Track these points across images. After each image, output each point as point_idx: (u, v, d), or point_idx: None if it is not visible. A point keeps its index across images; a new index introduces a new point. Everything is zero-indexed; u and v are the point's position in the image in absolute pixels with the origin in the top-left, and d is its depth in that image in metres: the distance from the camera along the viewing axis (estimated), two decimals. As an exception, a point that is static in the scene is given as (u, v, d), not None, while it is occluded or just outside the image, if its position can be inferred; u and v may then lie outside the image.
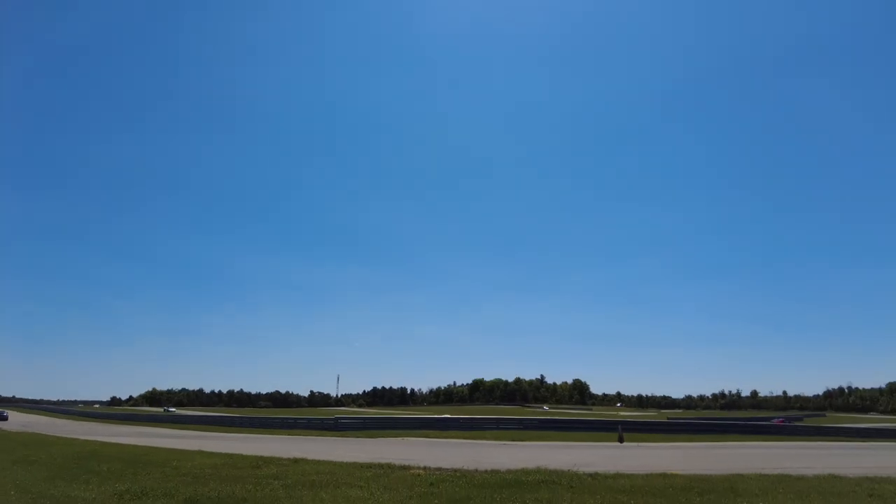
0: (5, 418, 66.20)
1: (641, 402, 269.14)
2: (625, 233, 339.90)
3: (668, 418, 65.47)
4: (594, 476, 12.59)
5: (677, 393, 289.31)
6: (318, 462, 16.23)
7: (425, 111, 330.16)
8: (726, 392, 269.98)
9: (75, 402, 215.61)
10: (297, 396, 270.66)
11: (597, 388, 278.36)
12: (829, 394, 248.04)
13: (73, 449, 22.84)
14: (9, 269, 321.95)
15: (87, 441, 28.35)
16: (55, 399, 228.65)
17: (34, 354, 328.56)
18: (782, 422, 60.13)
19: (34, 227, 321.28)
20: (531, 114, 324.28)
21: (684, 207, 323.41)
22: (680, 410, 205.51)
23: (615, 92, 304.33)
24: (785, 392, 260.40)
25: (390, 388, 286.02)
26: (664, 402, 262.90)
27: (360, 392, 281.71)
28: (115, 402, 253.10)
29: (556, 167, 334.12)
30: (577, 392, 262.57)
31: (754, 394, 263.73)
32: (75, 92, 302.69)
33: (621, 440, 25.82)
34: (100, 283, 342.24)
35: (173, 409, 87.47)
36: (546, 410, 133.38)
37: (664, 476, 12.51)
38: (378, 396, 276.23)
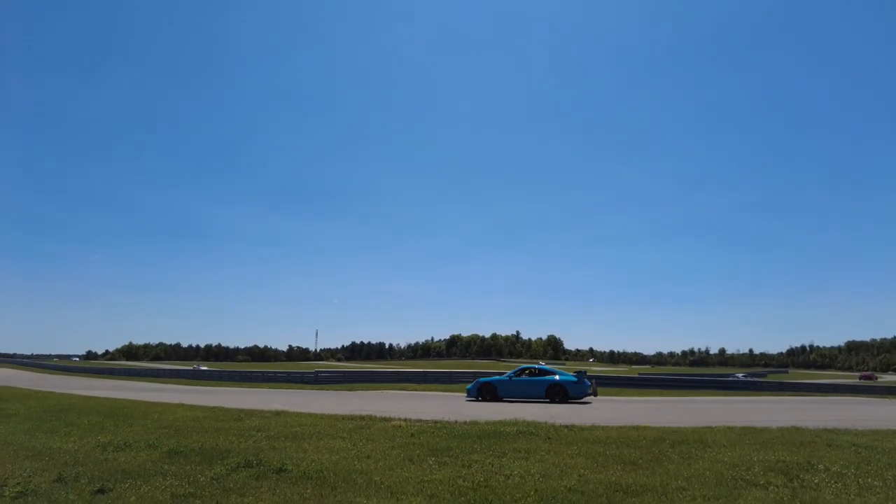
0: None
1: (613, 357, 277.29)
2: (600, 191, 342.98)
3: (639, 374, 67.59)
4: (570, 427, 13.00)
5: (648, 350, 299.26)
6: (300, 414, 16.46)
7: (406, 67, 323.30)
8: (695, 349, 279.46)
9: (50, 357, 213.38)
10: (276, 351, 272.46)
11: (570, 344, 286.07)
12: (791, 352, 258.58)
13: (51, 402, 22.77)
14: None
15: (64, 394, 28.27)
16: (29, 353, 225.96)
17: (6, 308, 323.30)
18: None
19: (6, 176, 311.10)
20: (512, 66, 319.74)
21: (658, 166, 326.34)
22: (650, 366, 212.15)
23: (595, 51, 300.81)
24: (751, 350, 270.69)
25: (369, 343, 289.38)
26: (635, 359, 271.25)
27: (339, 347, 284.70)
28: (91, 356, 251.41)
29: (532, 123, 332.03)
30: (552, 347, 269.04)
31: (722, 351, 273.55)
32: (61, 35, 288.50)
33: (595, 394, 26.48)
34: (74, 237, 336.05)
35: (204, 367, 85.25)
36: (591, 362, 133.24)
37: (637, 428, 12.97)
38: (357, 351, 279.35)
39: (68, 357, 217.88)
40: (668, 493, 7.06)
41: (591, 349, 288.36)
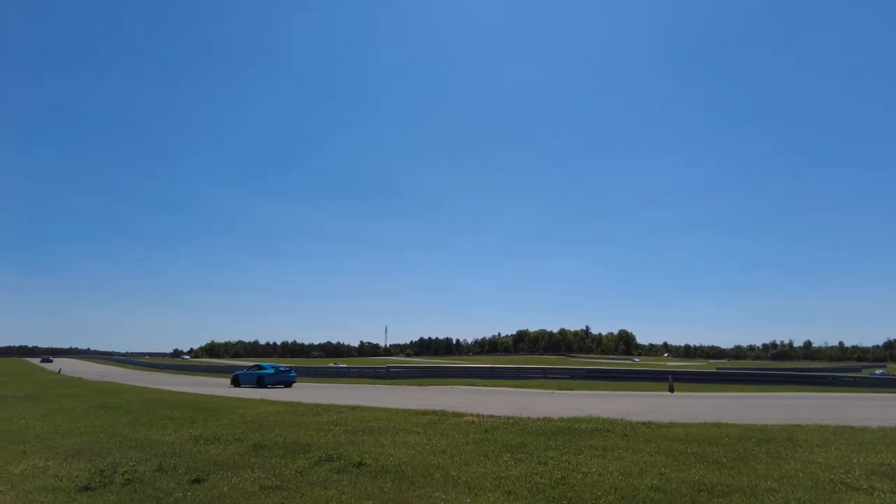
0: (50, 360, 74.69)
1: (689, 352, 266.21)
2: (670, 180, 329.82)
3: (716, 368, 64.57)
4: (647, 424, 12.66)
5: (726, 343, 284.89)
6: (375, 409, 16.88)
7: (455, 65, 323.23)
8: (777, 342, 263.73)
9: (142, 354, 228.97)
10: (348, 346, 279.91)
11: (643, 339, 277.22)
12: (889, 344, 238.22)
13: (146, 396, 24.44)
14: (74, 229, 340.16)
15: (156, 390, 30.28)
16: (124, 351, 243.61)
17: (105, 309, 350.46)
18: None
19: (94, 187, 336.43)
20: (558, 63, 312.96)
21: (729, 154, 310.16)
22: (728, 361, 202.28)
23: (652, 43, 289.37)
24: (841, 343, 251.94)
25: (436, 338, 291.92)
26: (712, 353, 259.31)
27: (408, 342, 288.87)
28: (177, 354, 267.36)
29: (599, 113, 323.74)
30: (623, 342, 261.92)
31: (807, 344, 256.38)
32: (113, 45, 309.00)
33: (672, 390, 25.70)
34: (160, 241, 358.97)
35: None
36: (636, 362, 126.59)
37: (718, 426, 12.46)
38: (425, 346, 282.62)
39: (156, 355, 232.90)
40: (757, 495, 6.74)
41: (665, 344, 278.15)
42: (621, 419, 13.49)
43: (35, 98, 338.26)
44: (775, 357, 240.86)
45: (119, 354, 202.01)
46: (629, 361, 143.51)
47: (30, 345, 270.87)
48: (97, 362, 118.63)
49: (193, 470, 8.53)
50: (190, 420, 15.11)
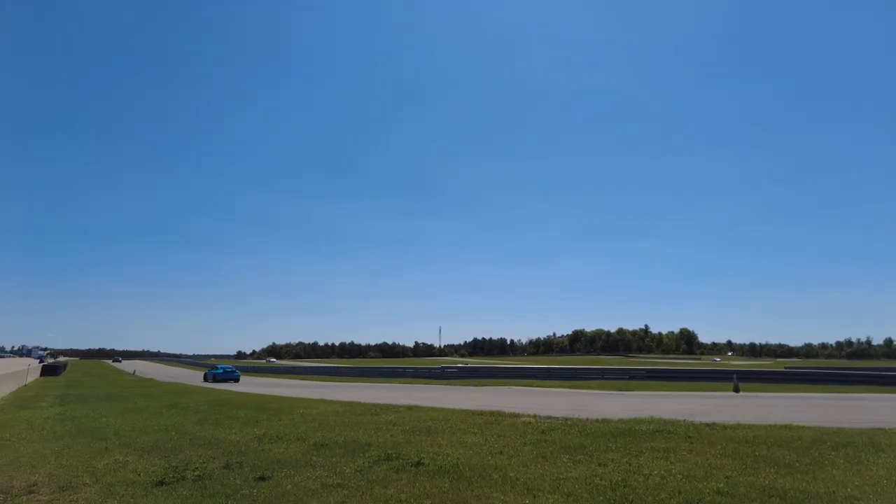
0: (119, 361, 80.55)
1: (754, 350, 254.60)
2: (733, 168, 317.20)
3: (785, 367, 61.44)
4: (712, 426, 12.21)
5: (795, 341, 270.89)
6: (432, 409, 17.02)
7: (509, 70, 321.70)
8: (853, 340, 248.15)
9: (208, 357, 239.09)
10: (403, 347, 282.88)
11: (705, 337, 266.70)
12: None
13: (212, 397, 25.51)
14: (150, 238, 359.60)
15: (221, 390, 31.56)
16: (191, 353, 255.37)
17: (172, 313, 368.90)
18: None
19: (168, 200, 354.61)
20: (611, 58, 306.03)
21: (790, 141, 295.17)
22: (798, 359, 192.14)
23: (708, 33, 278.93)
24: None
25: (490, 338, 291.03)
26: (780, 351, 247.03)
27: (462, 343, 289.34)
28: (240, 355, 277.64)
29: (651, 110, 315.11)
30: (685, 341, 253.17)
31: (888, 342, 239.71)
32: (174, 63, 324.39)
33: (737, 390, 24.63)
34: (220, 246, 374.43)
35: (273, 359, 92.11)
36: (717, 362, 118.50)
37: (789, 428, 11.88)
38: (479, 347, 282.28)
39: (221, 357, 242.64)
40: (835, 503, 6.39)
41: (728, 342, 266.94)
42: (684, 420, 13.07)
43: (116, 114, 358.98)
44: (851, 356, 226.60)
45: (187, 357, 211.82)
46: (711, 361, 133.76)
47: (108, 347, 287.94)
48: (167, 364, 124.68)
49: (258, 468, 8.84)
50: (254, 419, 15.67)
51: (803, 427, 11.94)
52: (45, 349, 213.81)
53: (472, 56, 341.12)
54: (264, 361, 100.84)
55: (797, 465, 8.23)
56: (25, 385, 37.44)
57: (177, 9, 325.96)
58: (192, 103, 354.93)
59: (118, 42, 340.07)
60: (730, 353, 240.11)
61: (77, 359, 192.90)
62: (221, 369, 48.63)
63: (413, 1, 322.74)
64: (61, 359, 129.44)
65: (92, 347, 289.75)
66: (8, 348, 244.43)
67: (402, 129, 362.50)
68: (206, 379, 46.53)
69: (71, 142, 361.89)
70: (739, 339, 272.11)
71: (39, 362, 78.02)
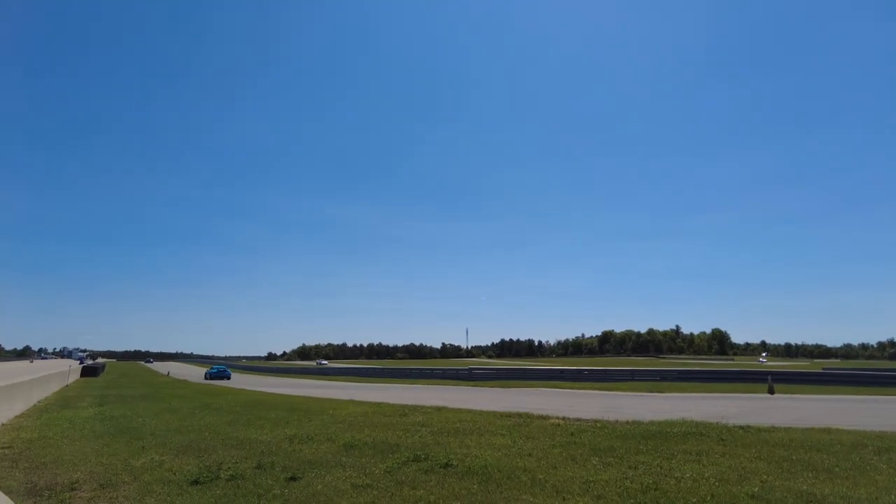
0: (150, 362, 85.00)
1: (790, 351, 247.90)
2: (765, 163, 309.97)
3: (823, 368, 59.58)
4: (745, 428, 11.95)
5: (833, 341, 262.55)
6: (459, 410, 17.03)
7: (536, 68, 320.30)
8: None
9: (239, 358, 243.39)
10: (431, 348, 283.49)
11: (738, 338, 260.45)
12: None
13: (243, 398, 25.97)
14: (182, 239, 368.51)
15: (253, 391, 32.09)
16: (223, 355, 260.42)
17: (210, 316, 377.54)
18: None
19: (203, 206, 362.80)
20: (642, 59, 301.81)
21: (823, 145, 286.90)
22: (837, 360, 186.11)
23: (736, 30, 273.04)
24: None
25: (518, 340, 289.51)
26: (817, 352, 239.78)
27: (489, 344, 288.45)
28: (271, 357, 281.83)
29: (682, 109, 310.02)
30: (717, 342, 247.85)
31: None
32: (205, 74, 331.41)
33: (772, 392, 24.04)
34: (254, 249, 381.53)
35: (325, 362, 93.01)
36: (762, 363, 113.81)
37: (827, 431, 11.56)
38: (506, 348, 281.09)
39: (252, 358, 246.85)
40: (877, 508, 6.21)
41: (762, 342, 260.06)
42: (717, 422, 12.83)
43: (146, 124, 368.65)
44: (893, 356, 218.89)
45: (219, 358, 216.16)
46: (757, 361, 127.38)
47: (143, 349, 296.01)
48: (200, 365, 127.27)
49: (289, 468, 8.97)
50: (284, 420, 15.90)
51: (843, 430, 11.60)
52: (85, 351, 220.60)
53: (498, 55, 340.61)
54: (315, 364, 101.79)
55: (837, 470, 8.00)
56: (67, 385, 38.67)
57: (201, 14, 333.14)
58: (223, 109, 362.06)
59: (147, 54, 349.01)
60: (764, 354, 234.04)
61: (114, 360, 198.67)
62: (216, 369, 59.08)
63: (447, 4, 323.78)
64: (100, 360, 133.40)
65: (128, 349, 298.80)
66: (50, 350, 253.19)
67: (431, 131, 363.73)
68: (205, 377, 56.03)
69: (102, 151, 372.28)
70: (774, 339, 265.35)
71: (80, 363, 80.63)
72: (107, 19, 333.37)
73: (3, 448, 11.40)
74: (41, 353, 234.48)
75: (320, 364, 79.06)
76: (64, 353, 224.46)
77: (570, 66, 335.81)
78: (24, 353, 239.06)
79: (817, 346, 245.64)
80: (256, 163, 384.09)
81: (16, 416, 17.74)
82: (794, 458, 8.75)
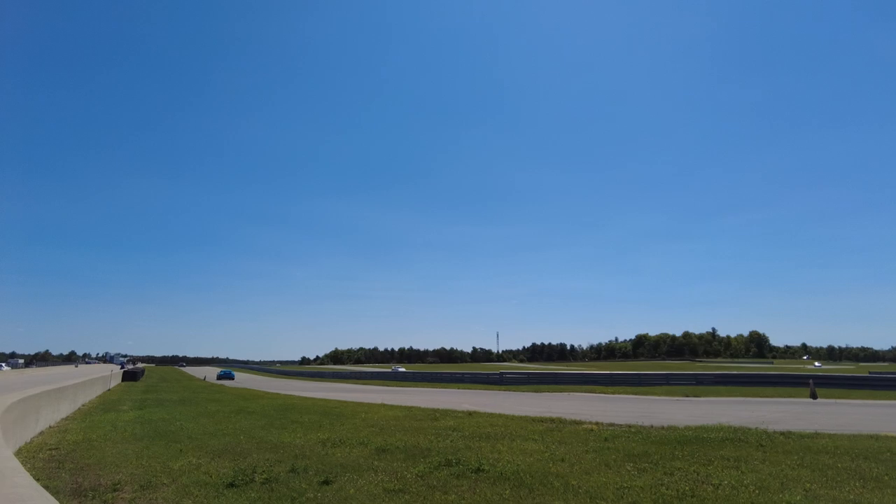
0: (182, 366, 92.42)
1: (833, 354, 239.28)
2: (803, 160, 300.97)
3: (869, 372, 57.37)
4: (787, 434, 11.59)
5: (881, 343, 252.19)
6: (491, 415, 16.95)
7: (565, 72, 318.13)
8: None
9: (273, 363, 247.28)
10: (461, 352, 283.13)
11: (777, 340, 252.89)
12: None
13: (278, 402, 26.33)
14: (217, 246, 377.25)
15: (287, 395, 32.54)
16: (258, 360, 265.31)
17: (241, 322, 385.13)
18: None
19: (233, 211, 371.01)
20: (673, 61, 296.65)
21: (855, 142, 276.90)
22: (885, 364, 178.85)
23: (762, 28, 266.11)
24: None
25: (549, 344, 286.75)
26: (863, 355, 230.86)
27: (520, 348, 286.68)
28: (304, 361, 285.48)
29: (717, 107, 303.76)
30: (755, 345, 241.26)
31: None
32: (230, 81, 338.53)
33: (814, 396, 23.25)
34: (285, 256, 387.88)
35: (401, 368, 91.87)
36: (817, 367, 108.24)
37: (876, 438, 11.12)
38: (538, 352, 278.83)
39: (286, 363, 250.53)
40: (928, 519, 5.93)
41: (803, 345, 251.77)
42: (756, 428, 12.47)
43: (178, 135, 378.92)
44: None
45: (254, 363, 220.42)
46: (812, 366, 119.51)
47: (181, 354, 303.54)
48: (236, 370, 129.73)
49: (322, 472, 9.06)
50: (317, 424, 16.07)
51: (892, 437, 11.15)
52: (126, 356, 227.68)
53: (527, 59, 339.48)
54: (390, 369, 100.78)
55: (886, 479, 7.68)
56: (109, 389, 39.88)
57: (229, 22, 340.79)
58: (251, 116, 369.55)
59: (174, 61, 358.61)
60: (805, 357, 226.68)
61: (153, 365, 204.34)
62: (224, 372, 72.81)
63: (474, 8, 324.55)
64: (139, 365, 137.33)
65: (166, 354, 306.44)
66: (94, 355, 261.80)
67: (459, 136, 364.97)
68: (218, 377, 67.42)
69: (135, 162, 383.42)
70: (815, 341, 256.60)
71: (121, 368, 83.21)
72: (136, 28, 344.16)
73: (50, 449, 11.81)
74: (85, 358, 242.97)
75: (396, 370, 78.41)
76: (106, 358, 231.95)
77: (601, 71, 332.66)
78: (70, 358, 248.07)
79: (863, 349, 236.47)
80: (287, 169, 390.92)
81: (62, 419, 18.38)
82: (839, 466, 8.44)
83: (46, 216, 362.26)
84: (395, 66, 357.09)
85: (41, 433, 14.67)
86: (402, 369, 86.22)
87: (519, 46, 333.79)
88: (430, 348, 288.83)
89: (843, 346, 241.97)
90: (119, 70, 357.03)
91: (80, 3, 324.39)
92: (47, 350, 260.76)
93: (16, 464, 5.47)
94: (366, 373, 76.46)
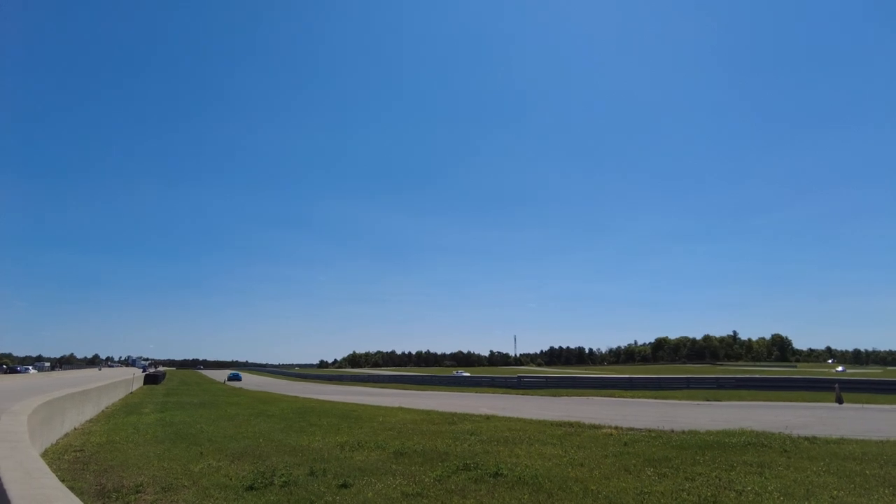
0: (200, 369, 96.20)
1: (859, 357, 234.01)
2: (824, 161, 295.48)
3: (898, 376, 56.00)
4: (812, 440, 11.36)
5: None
6: (509, 419, 16.87)
7: (583, 74, 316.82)
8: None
9: (292, 366, 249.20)
10: (479, 356, 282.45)
11: (800, 343, 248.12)
12: None
13: (296, 405, 26.50)
14: (236, 251, 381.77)
15: (305, 399, 32.74)
16: (277, 363, 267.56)
17: (260, 325, 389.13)
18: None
19: (251, 216, 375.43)
20: (692, 60, 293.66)
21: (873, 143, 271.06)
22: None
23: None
24: None
25: (567, 347, 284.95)
26: (890, 358, 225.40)
27: (538, 352, 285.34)
28: (323, 364, 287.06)
29: (737, 107, 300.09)
30: (777, 348, 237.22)
31: None
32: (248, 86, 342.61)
33: (839, 401, 22.76)
34: (307, 261, 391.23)
35: (465, 373, 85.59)
36: (840, 371, 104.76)
37: (904, 443, 10.85)
38: (555, 356, 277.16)
39: (305, 366, 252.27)
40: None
41: (828, 348, 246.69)
42: (779, 433, 12.25)
43: (195, 142, 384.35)
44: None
45: (272, 366, 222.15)
46: (837, 371, 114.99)
47: (200, 358, 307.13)
48: (254, 373, 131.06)
49: (341, 475, 9.08)
50: (335, 427, 16.14)
51: (922, 443, 10.87)
52: (147, 360, 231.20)
53: (546, 63, 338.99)
54: (454, 372, 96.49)
55: (914, 485, 7.49)
56: (131, 392, 40.50)
57: (249, 30, 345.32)
58: (271, 120, 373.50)
59: (194, 69, 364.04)
60: (830, 360, 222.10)
61: (174, 368, 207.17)
62: (232, 374, 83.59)
63: (489, 14, 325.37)
64: (161, 369, 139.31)
65: (186, 358, 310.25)
66: (116, 358, 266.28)
67: (478, 141, 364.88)
68: (227, 379, 74.52)
69: (157, 166, 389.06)
70: (840, 345, 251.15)
71: (143, 371, 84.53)
72: (157, 36, 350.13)
73: (75, 451, 12.01)
74: (108, 362, 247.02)
75: (458, 374, 75.66)
76: (129, 362, 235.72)
77: (622, 73, 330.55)
78: (94, 362, 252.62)
79: (890, 353, 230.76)
80: (308, 172, 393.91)
81: (86, 421, 18.70)
82: (867, 473, 8.25)
83: (72, 222, 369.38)
84: (413, 69, 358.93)
85: (66, 435, 14.94)
86: (466, 374, 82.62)
87: (539, 49, 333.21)
88: (448, 352, 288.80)
89: (870, 349, 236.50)
90: (139, 76, 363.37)
91: (98, 10, 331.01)
92: (72, 353, 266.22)
93: (42, 465, 5.57)
94: (383, 376, 76.67)
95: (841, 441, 11.29)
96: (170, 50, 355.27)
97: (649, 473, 8.58)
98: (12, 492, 4.03)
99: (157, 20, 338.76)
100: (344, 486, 8.36)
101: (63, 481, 6.26)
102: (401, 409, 22.16)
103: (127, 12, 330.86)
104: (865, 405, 23.78)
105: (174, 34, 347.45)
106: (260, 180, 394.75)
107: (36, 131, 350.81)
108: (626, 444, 11.41)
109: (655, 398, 30.35)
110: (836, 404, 20.73)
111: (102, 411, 23.14)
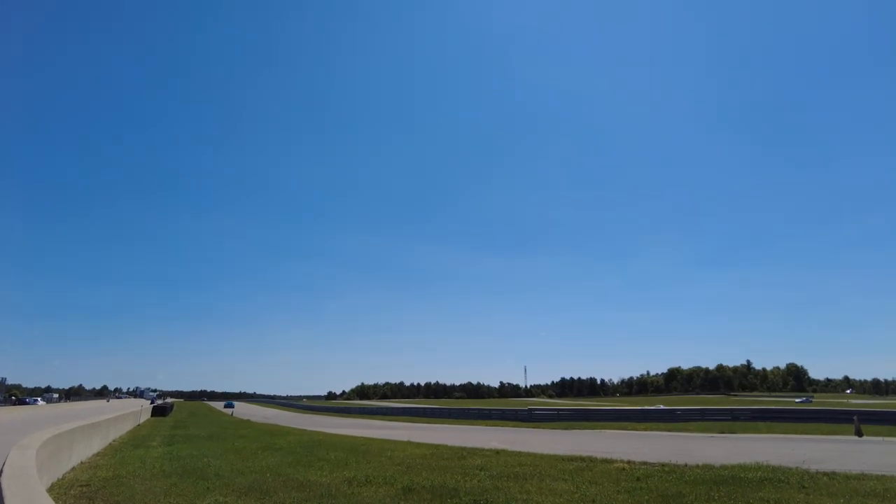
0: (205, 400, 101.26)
1: (878, 388, 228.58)
2: (839, 188, 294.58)
3: (918, 408, 54.60)
4: (831, 475, 11.07)
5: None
6: (520, 454, 16.60)
7: (597, 104, 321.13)
8: None
9: (300, 398, 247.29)
10: (488, 387, 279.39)
11: (816, 373, 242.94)
12: None
13: (305, 438, 26.25)
14: (244, 280, 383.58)
15: (314, 432, 32.42)
16: (284, 394, 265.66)
17: (272, 356, 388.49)
18: None
19: (264, 246, 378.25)
20: (701, 84, 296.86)
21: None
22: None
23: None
24: None
25: (579, 378, 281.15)
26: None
27: (549, 383, 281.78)
28: (331, 396, 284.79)
29: (756, 128, 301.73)
30: (793, 377, 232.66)
31: None
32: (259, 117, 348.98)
33: (859, 433, 22.20)
34: (314, 289, 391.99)
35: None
36: (850, 393, 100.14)
37: (927, 479, 10.55)
38: (567, 387, 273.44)
39: (313, 398, 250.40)
40: None
41: (845, 378, 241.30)
42: (796, 468, 11.97)
43: (207, 168, 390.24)
44: None
45: (280, 398, 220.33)
46: (797, 402, 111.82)
47: (208, 389, 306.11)
48: (262, 405, 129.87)
49: (349, 511, 8.95)
50: (344, 462, 15.95)
51: (944, 478, 10.57)
52: (155, 390, 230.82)
53: (555, 92, 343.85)
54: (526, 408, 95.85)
55: (938, 523, 7.26)
56: (139, 424, 40.30)
57: (261, 59, 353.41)
58: (281, 149, 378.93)
59: (208, 99, 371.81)
60: (848, 391, 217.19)
61: (182, 400, 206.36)
62: (227, 403, 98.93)
63: (502, 43, 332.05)
64: (168, 400, 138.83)
65: (195, 389, 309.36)
66: (124, 389, 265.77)
67: (490, 170, 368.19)
68: (224, 406, 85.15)
69: (166, 200, 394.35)
70: (859, 374, 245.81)
71: (151, 403, 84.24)
72: (172, 74, 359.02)
73: (81, 486, 11.94)
74: (116, 393, 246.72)
75: (532, 413, 73.94)
76: (137, 393, 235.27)
77: (631, 102, 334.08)
78: (102, 393, 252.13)
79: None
80: (317, 203, 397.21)
81: (93, 455, 18.60)
82: (888, 510, 8.03)
83: (81, 255, 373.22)
84: (422, 98, 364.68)
85: (73, 469, 14.86)
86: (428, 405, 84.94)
87: (555, 80, 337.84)
88: (457, 383, 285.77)
89: (890, 378, 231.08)
90: (154, 111, 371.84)
91: (123, 42, 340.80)
92: (81, 384, 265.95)
93: (49, 501, 5.56)
94: (392, 408, 75.86)
95: (861, 477, 10.99)
96: (178, 82, 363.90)
97: (663, 510, 8.39)
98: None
99: (178, 60, 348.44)
100: (352, 522, 8.24)
101: (70, 518, 6.24)
102: (409, 443, 21.87)
103: (150, 45, 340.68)
104: (886, 438, 23.16)
105: (191, 75, 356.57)
106: (270, 211, 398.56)
107: (41, 174, 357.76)
108: (638, 478, 11.20)
109: (669, 430, 29.76)
110: (856, 437, 20.22)
111: (110, 444, 23.02)
